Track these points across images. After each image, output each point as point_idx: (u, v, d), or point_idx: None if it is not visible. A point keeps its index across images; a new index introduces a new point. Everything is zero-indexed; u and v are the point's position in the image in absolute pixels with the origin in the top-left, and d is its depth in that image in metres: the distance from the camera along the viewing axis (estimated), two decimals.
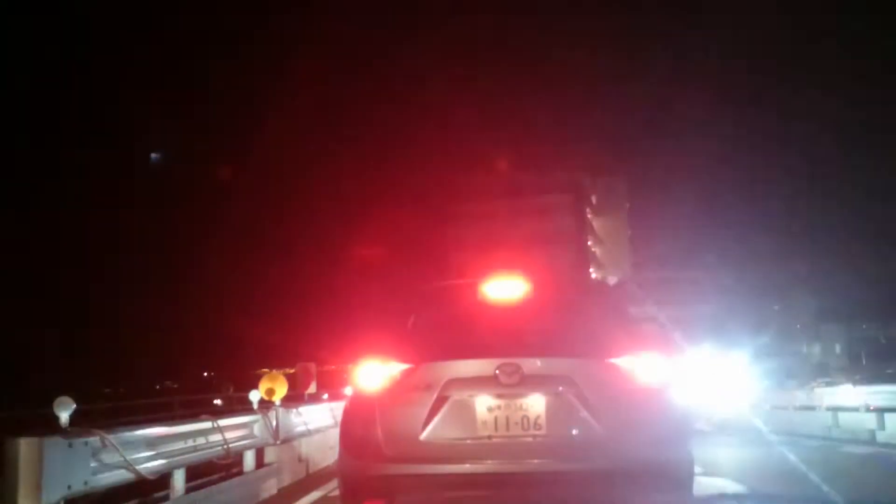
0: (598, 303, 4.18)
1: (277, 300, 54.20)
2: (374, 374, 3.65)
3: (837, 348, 50.82)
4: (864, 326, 51.85)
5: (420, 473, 3.45)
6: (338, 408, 12.13)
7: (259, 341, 38.18)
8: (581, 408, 3.42)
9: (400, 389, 3.56)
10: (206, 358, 48.08)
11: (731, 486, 7.78)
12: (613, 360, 3.56)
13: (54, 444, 4.21)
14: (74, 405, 4.47)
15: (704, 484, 7.95)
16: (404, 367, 3.60)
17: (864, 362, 46.90)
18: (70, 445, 4.37)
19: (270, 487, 7.91)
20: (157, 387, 39.17)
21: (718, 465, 9.42)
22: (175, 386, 38.90)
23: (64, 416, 4.44)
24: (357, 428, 3.69)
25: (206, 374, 48.39)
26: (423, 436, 3.46)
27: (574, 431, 3.43)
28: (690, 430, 3.82)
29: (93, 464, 4.55)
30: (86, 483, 4.49)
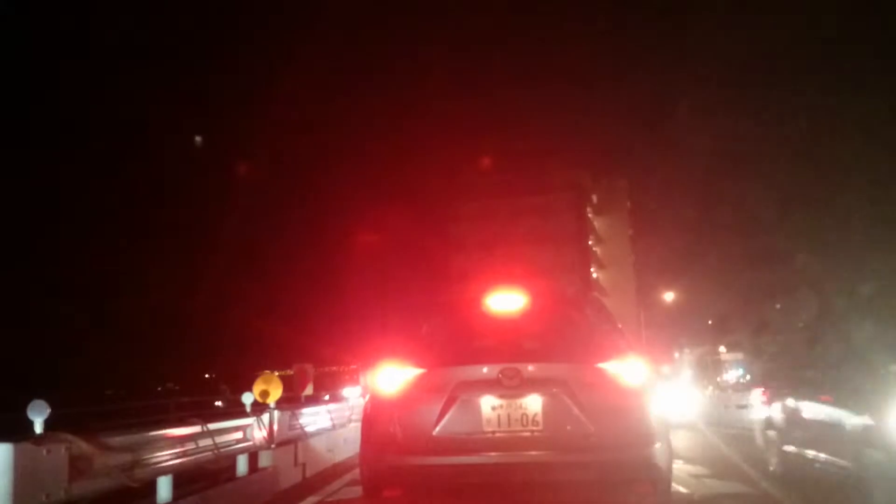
0: (589, 312, 4.53)
1: (279, 301, 54.02)
2: (392, 377, 4.03)
3: None
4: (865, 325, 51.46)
5: (433, 464, 3.83)
6: (336, 410, 11.93)
7: (261, 342, 38.02)
8: (573, 407, 3.81)
9: (415, 391, 3.95)
10: (208, 359, 47.94)
11: (737, 488, 7.63)
12: (601, 365, 3.95)
13: (28, 451, 3.98)
14: (49, 409, 4.24)
15: (710, 485, 7.78)
16: (419, 371, 4.00)
17: None
18: (47, 452, 4.15)
19: (264, 492, 7.69)
20: (159, 388, 39.00)
21: (725, 466, 9.21)
22: (177, 388, 38.69)
23: (38, 422, 4.21)
24: (377, 425, 4.03)
25: (206, 375, 48.22)
26: (436, 431, 3.83)
27: (567, 427, 3.81)
28: (668, 426, 4.15)
29: (71, 471, 4.31)
30: (64, 492, 4.26)
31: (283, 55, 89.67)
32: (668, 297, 42.25)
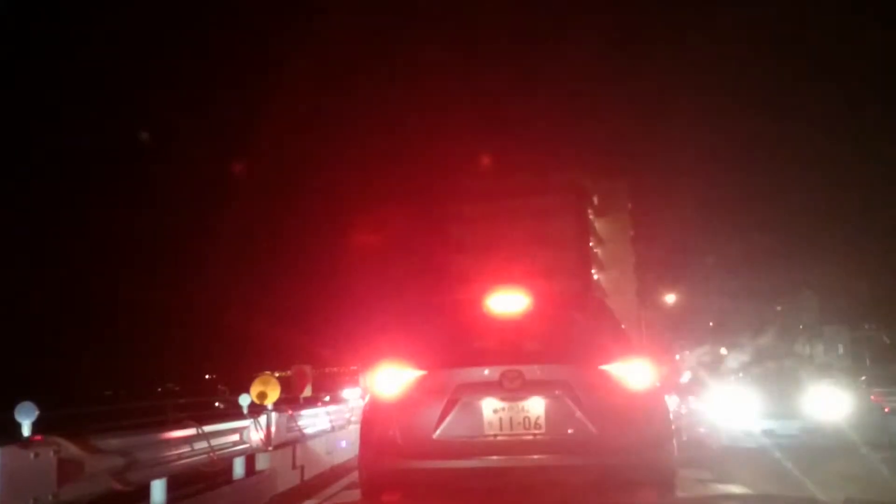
0: (591, 313, 4.51)
1: (279, 301, 53.98)
2: (392, 379, 3.98)
3: (840, 349, 50.23)
4: (866, 326, 51.42)
5: (433, 468, 3.78)
6: (335, 412, 11.81)
7: (260, 343, 37.93)
8: (576, 409, 3.75)
9: (415, 393, 3.90)
10: (208, 360, 47.92)
11: (738, 490, 7.56)
12: (605, 367, 3.90)
13: (14, 454, 3.86)
14: (37, 411, 4.12)
15: (713, 489, 7.68)
16: (419, 373, 3.94)
17: (867, 363, 46.46)
18: (35, 455, 4.02)
19: (261, 495, 7.56)
20: (159, 389, 38.94)
21: (731, 470, 9.10)
22: (177, 388, 38.69)
23: (26, 424, 4.08)
24: (377, 428, 3.99)
25: (207, 376, 48.19)
26: (436, 434, 3.77)
27: (570, 431, 3.75)
28: (672, 429, 4.12)
29: (60, 475, 4.18)
30: (52, 496, 4.13)
31: (283, 54, 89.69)
32: (669, 298, 42.20)
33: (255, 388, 8.66)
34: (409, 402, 3.89)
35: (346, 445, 10.95)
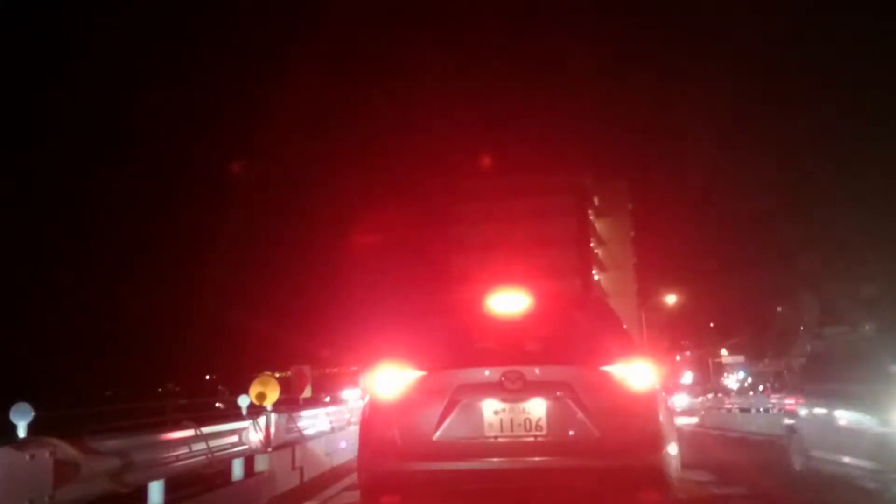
0: (593, 314, 4.48)
1: (279, 302, 53.98)
2: (391, 380, 3.93)
3: None
4: (867, 327, 51.18)
5: (433, 470, 3.73)
6: (334, 413, 11.77)
7: (261, 344, 37.90)
8: (577, 411, 3.70)
9: (415, 394, 3.85)
10: (209, 360, 47.91)
11: (738, 491, 7.52)
12: (606, 368, 3.86)
13: (9, 456, 3.83)
14: (33, 413, 4.08)
15: (714, 491, 7.65)
16: (419, 374, 3.89)
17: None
18: (30, 457, 3.99)
19: (260, 497, 7.53)
20: (159, 389, 38.96)
21: (735, 472, 9.08)
22: (177, 389, 38.71)
23: (22, 425, 4.05)
24: (376, 429, 3.95)
25: (207, 377, 48.20)
26: (436, 436, 3.72)
27: (571, 432, 3.71)
28: (674, 430, 4.06)
29: (56, 477, 4.15)
30: (48, 498, 4.10)
31: (283, 55, 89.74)
32: (670, 299, 42.08)
33: (255, 389, 8.63)
34: (409, 404, 3.84)
35: (346, 446, 10.92)
